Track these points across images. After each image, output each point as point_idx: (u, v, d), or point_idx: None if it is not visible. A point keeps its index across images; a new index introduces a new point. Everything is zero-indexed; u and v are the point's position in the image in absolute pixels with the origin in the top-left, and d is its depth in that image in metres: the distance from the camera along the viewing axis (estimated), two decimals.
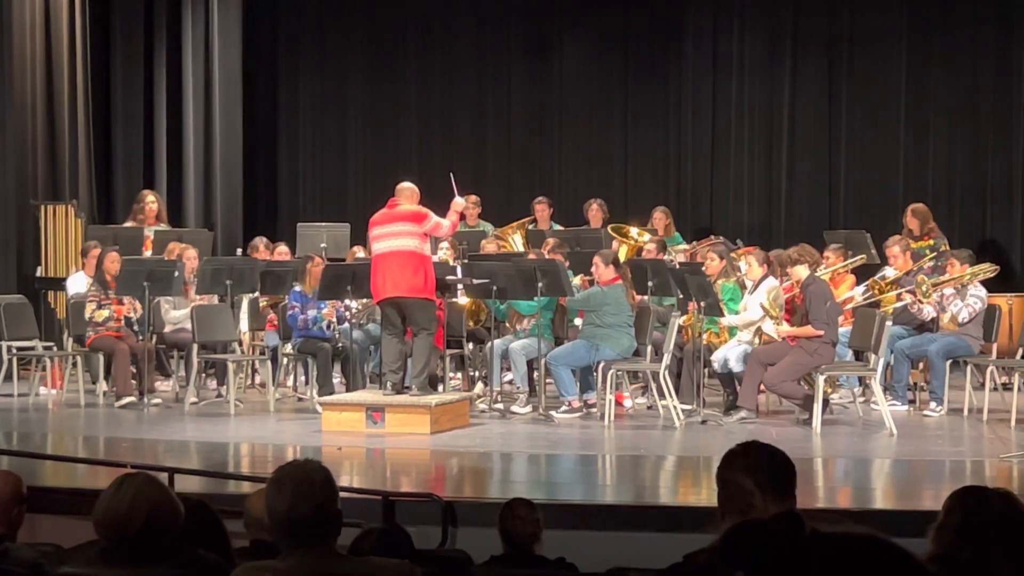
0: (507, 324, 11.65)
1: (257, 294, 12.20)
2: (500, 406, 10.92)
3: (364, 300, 11.40)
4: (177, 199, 15.84)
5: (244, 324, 12.38)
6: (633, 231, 13.12)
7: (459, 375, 12.29)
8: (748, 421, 10.25)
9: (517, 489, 7.93)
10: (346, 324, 11.33)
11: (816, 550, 1.70)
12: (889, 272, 11.62)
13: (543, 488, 8.16)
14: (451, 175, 10.98)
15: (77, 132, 14.73)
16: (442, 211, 10.58)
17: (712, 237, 13.43)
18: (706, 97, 16.14)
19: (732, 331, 10.95)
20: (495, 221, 14.16)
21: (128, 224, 13.58)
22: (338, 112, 17.21)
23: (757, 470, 3.45)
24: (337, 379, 11.53)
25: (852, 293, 11.62)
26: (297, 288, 11.37)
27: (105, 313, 11.38)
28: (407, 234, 10.20)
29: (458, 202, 10.75)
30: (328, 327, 11.30)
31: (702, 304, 10.45)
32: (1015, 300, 12.26)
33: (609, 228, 13.33)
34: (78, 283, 12.04)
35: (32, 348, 11.91)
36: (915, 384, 11.33)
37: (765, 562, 1.72)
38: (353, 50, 17.13)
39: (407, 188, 10.51)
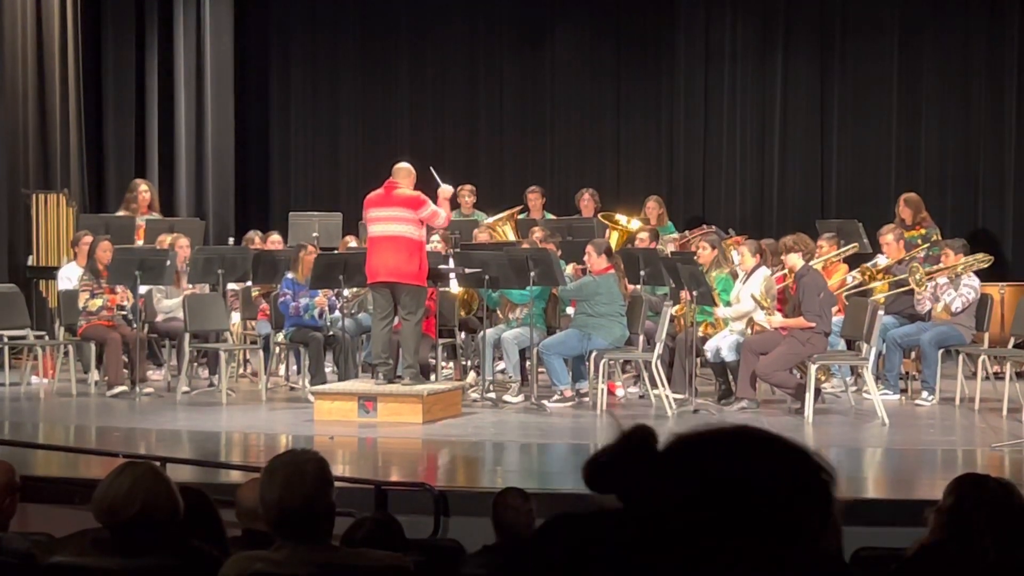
0: (499, 313, 11.65)
1: (249, 283, 12.19)
2: (492, 395, 10.92)
3: (356, 289, 11.40)
4: (169, 188, 15.82)
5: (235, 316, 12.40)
6: (621, 218, 13.14)
7: (451, 364, 12.30)
8: (748, 410, 10.26)
9: (510, 478, 7.95)
10: (338, 312, 11.32)
11: (677, 456, 1.66)
12: (881, 260, 11.64)
13: (535, 477, 8.17)
14: (431, 168, 10.98)
15: (69, 121, 14.70)
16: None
17: (704, 226, 13.44)
18: (698, 87, 16.15)
19: (727, 321, 10.96)
20: (488, 211, 14.15)
21: (120, 213, 13.54)
22: (330, 101, 17.20)
23: None
24: (329, 368, 11.52)
25: (846, 279, 11.65)
26: (289, 276, 11.35)
27: (99, 302, 11.36)
28: (403, 219, 10.17)
29: (445, 189, 10.75)
30: (320, 316, 11.29)
31: (694, 293, 10.46)
32: (1007, 289, 12.28)
33: (600, 216, 13.36)
34: (70, 273, 12.02)
35: (24, 337, 11.89)
36: (907, 373, 11.34)
37: (628, 484, 1.69)
38: (344, 39, 17.12)
39: (404, 169, 10.46)
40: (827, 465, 1.65)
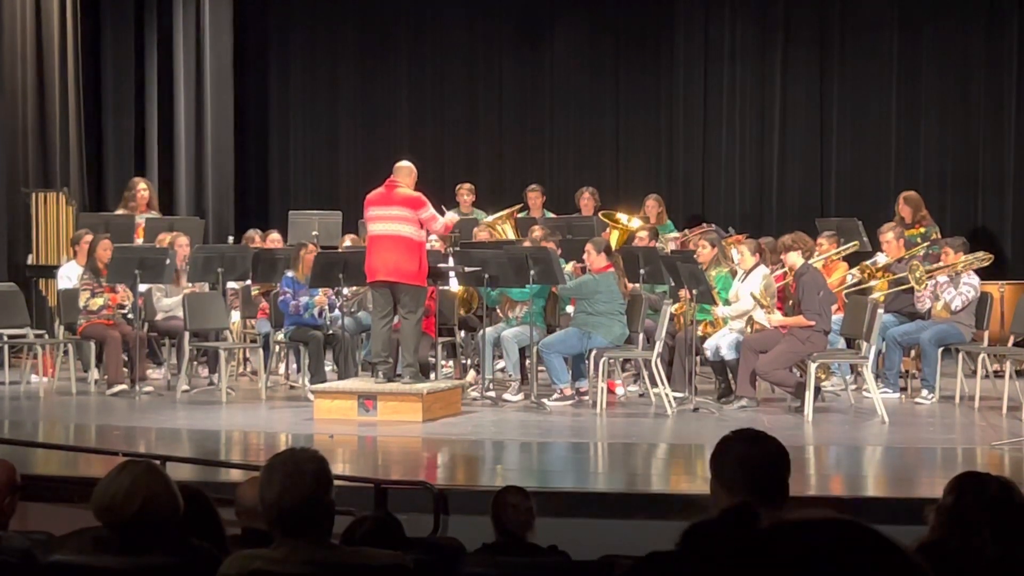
0: (499, 312, 11.65)
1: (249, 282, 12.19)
2: (492, 394, 10.93)
3: (355, 287, 11.40)
4: (168, 187, 15.81)
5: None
6: (622, 217, 13.14)
7: (451, 363, 12.30)
8: (748, 408, 10.26)
9: (509, 477, 7.94)
10: (337, 311, 11.32)
11: (778, 540, 1.69)
12: (881, 258, 11.64)
13: (535, 476, 8.16)
14: (442, 208, 11.24)
15: (68, 119, 14.69)
16: (436, 205, 10.61)
17: (704, 225, 13.44)
18: (697, 85, 16.14)
19: (726, 320, 10.95)
20: (487, 209, 14.16)
21: (119, 212, 13.54)
22: (329, 100, 17.20)
23: (746, 462, 3.42)
24: (329, 367, 11.52)
25: (846, 277, 11.64)
26: (289, 274, 11.35)
27: (100, 301, 11.36)
28: (403, 219, 10.17)
29: (451, 216, 10.86)
30: (320, 314, 11.29)
31: (694, 292, 10.45)
32: (1007, 288, 12.28)
33: (600, 214, 13.36)
34: (70, 272, 12.02)
35: (23, 336, 11.89)
36: (907, 372, 11.34)
37: (724, 560, 1.71)
38: (344, 38, 17.12)
39: (405, 167, 10.46)
40: (924, 565, 1.70)
